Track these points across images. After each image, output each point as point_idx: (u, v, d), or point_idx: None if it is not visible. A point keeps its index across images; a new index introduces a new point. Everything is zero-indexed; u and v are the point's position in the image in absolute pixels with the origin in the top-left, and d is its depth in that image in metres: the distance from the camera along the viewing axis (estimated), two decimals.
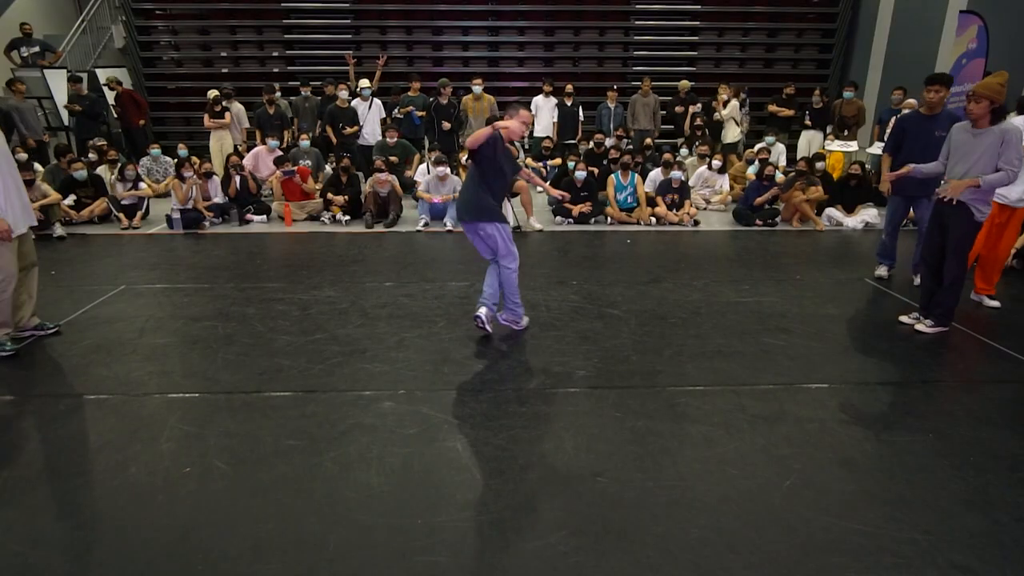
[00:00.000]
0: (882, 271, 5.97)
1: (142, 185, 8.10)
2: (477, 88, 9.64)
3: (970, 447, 3.24)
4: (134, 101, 10.61)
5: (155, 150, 9.11)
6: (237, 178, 8.02)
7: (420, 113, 9.72)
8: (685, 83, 10.75)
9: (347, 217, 7.93)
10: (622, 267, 6.29)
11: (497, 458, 3.13)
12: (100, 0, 12.50)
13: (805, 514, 2.73)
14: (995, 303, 5.24)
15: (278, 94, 9.81)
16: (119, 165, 8.24)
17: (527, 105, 4.43)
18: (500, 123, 4.30)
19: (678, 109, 10.45)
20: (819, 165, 8.12)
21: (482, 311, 4.48)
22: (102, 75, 11.37)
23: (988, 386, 3.91)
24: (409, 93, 9.88)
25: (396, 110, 9.85)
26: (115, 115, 10.75)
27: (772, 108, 10.21)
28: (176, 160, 8.22)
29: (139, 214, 7.87)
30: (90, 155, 8.94)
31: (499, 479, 2.97)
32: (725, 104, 10.15)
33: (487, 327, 4.50)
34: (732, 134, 10.17)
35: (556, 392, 3.79)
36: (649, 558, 2.49)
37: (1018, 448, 3.23)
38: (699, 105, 10.37)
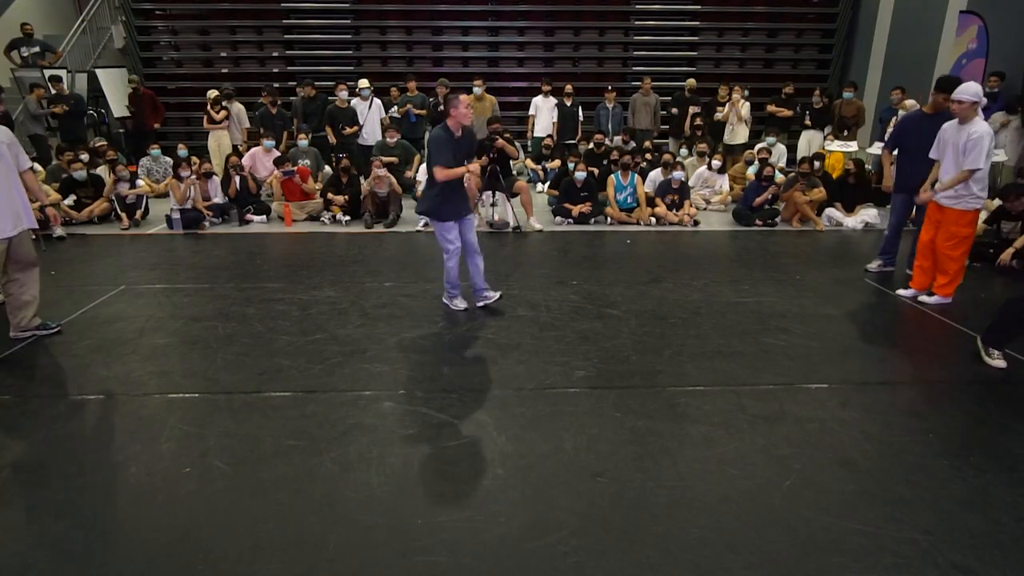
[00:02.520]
0: (874, 264, 6.08)
1: (139, 183, 8.11)
2: (478, 89, 9.65)
3: (970, 447, 3.24)
4: (152, 104, 10.55)
5: (155, 150, 9.11)
6: (237, 178, 8.02)
7: (418, 112, 9.72)
8: (692, 82, 10.73)
9: (347, 217, 7.93)
10: (622, 267, 6.29)
11: (497, 458, 3.13)
12: (100, 0, 12.50)
13: (805, 514, 2.73)
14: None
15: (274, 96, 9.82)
16: (115, 164, 8.24)
17: (463, 92, 4.88)
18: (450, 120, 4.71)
19: (692, 109, 10.39)
20: (816, 165, 8.12)
21: (485, 296, 5.11)
22: (108, 74, 11.37)
23: (988, 386, 3.90)
24: (407, 93, 9.89)
25: (394, 109, 9.84)
26: (128, 113, 10.70)
27: (771, 108, 10.20)
28: (173, 160, 8.24)
29: (139, 212, 7.86)
30: (81, 156, 8.89)
31: (499, 479, 2.97)
32: (726, 104, 10.13)
33: (487, 297, 5.13)
34: (741, 135, 10.13)
35: (556, 392, 3.79)
36: (649, 558, 2.49)
37: (1018, 448, 3.23)
38: (699, 107, 10.37)
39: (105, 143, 9.52)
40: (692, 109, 10.28)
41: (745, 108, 9.92)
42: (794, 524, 2.67)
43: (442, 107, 9.35)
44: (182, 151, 8.57)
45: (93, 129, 11.30)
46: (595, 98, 10.84)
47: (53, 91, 9.80)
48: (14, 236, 4.29)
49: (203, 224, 7.65)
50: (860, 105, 9.73)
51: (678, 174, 7.95)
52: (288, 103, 10.20)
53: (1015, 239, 5.98)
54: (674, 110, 10.57)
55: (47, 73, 10.44)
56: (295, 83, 11.64)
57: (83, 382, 3.91)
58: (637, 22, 12.73)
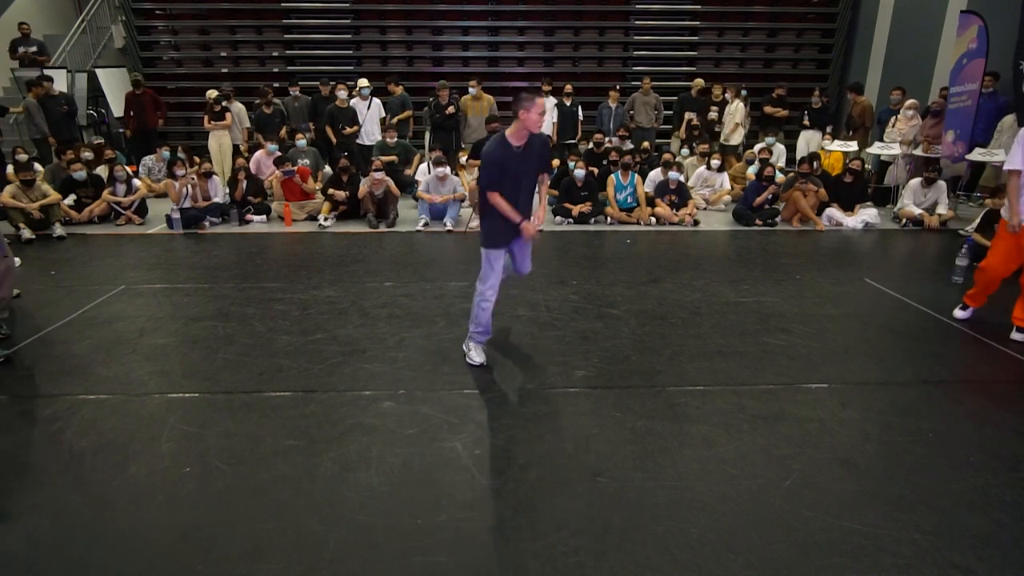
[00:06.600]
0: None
1: (136, 183, 8.11)
2: (473, 90, 9.69)
3: (970, 447, 3.24)
4: (155, 102, 10.53)
5: (165, 152, 9.11)
6: (244, 182, 7.99)
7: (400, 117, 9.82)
8: (699, 81, 10.73)
9: (330, 221, 7.79)
10: (622, 267, 6.29)
11: (497, 458, 3.13)
12: (100, 0, 12.50)
13: (805, 514, 2.73)
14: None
15: (271, 96, 9.82)
16: (113, 164, 8.24)
17: (538, 92, 3.83)
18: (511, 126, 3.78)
19: (687, 115, 10.38)
20: (815, 165, 8.12)
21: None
22: (108, 74, 11.33)
23: (988, 386, 3.91)
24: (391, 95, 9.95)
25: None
26: (127, 114, 10.68)
27: (767, 109, 10.19)
28: (169, 159, 8.26)
29: (128, 212, 7.86)
30: (84, 155, 8.86)
31: (499, 479, 2.97)
32: (720, 105, 10.13)
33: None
34: (736, 137, 10.11)
35: (556, 392, 3.79)
36: (649, 558, 2.49)
37: (1018, 448, 3.23)
38: (695, 111, 10.38)
39: (103, 141, 9.49)
40: (687, 115, 10.28)
41: (739, 112, 9.91)
42: (794, 524, 2.67)
43: (451, 109, 9.44)
44: (165, 152, 8.71)
45: (93, 128, 11.28)
46: (595, 98, 10.84)
47: (43, 91, 9.58)
48: None
49: (203, 224, 7.64)
50: (865, 105, 9.70)
51: (674, 175, 7.94)
52: (282, 102, 10.20)
53: None
54: (688, 113, 10.56)
55: (43, 72, 10.39)
56: (290, 83, 11.65)
57: (83, 382, 3.91)
58: (637, 22, 12.74)
